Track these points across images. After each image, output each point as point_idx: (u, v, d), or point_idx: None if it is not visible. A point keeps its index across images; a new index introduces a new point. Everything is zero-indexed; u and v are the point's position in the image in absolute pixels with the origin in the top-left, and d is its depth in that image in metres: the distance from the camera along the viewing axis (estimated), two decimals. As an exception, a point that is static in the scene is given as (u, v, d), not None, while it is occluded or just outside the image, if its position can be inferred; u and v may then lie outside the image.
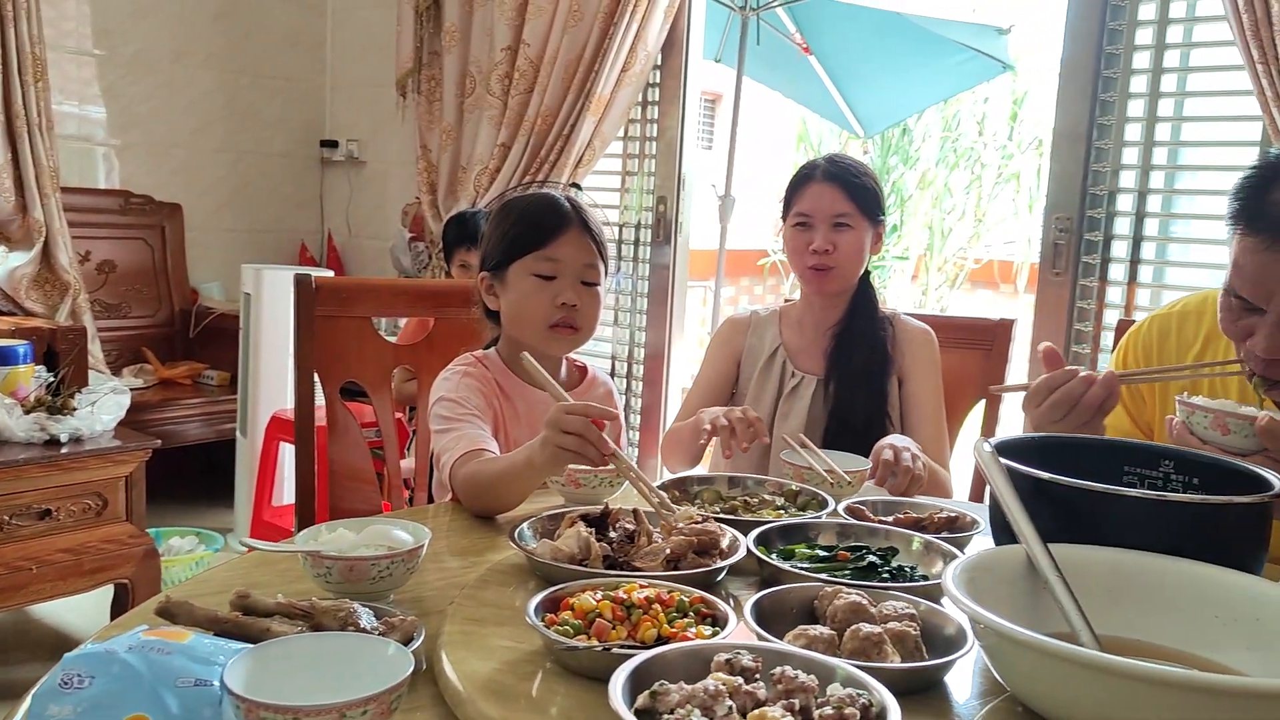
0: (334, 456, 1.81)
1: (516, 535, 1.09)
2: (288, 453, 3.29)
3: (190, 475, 4.00)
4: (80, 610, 2.86)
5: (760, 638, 0.83)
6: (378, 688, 0.71)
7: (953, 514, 1.25)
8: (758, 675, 0.75)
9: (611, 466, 1.32)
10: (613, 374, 3.61)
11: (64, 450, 2.35)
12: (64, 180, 3.70)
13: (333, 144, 4.59)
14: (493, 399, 1.57)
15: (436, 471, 1.55)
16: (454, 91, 3.81)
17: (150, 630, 0.78)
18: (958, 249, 9.00)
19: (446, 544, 1.25)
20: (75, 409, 2.47)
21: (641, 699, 0.71)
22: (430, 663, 0.87)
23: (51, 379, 2.66)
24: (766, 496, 1.33)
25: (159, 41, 4.10)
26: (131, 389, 3.04)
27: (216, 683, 0.72)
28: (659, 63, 3.47)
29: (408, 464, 2.54)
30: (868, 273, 1.90)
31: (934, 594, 0.98)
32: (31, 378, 2.56)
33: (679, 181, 3.49)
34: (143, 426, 3.06)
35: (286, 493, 3.36)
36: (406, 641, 0.85)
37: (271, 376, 3.47)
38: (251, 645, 0.79)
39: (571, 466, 1.33)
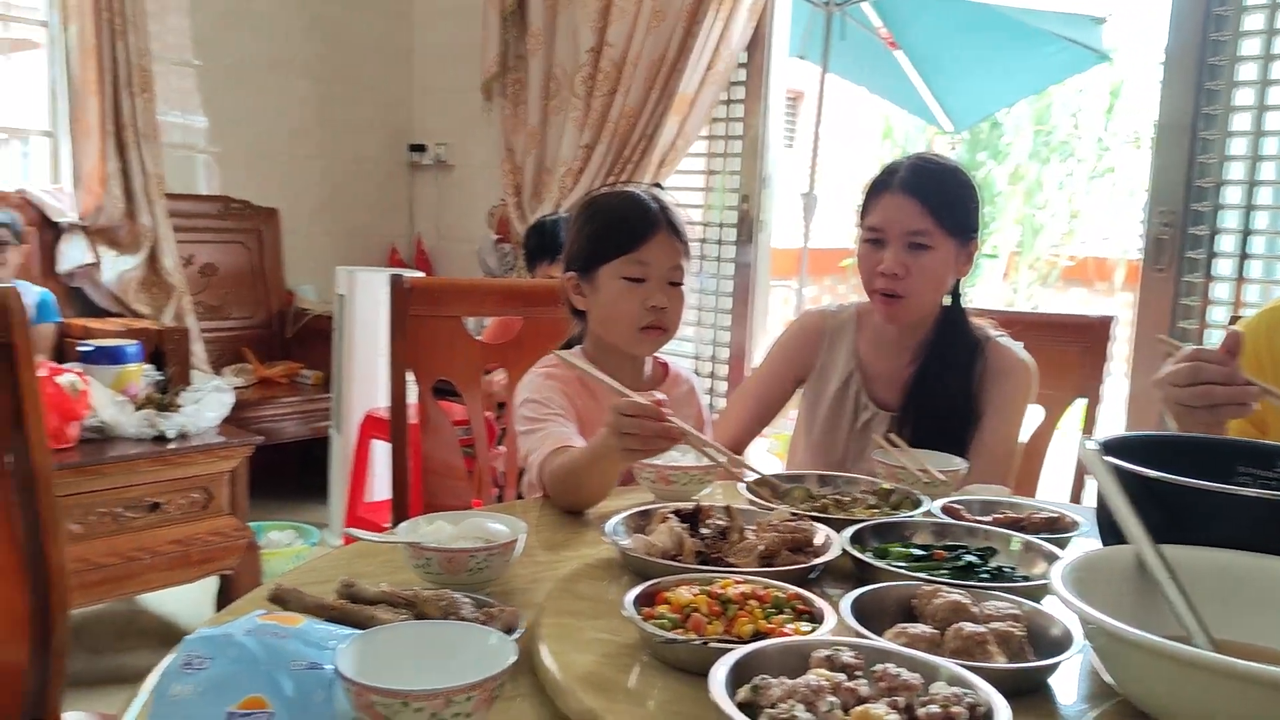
0: (427, 453, 1.85)
1: (609, 530, 1.10)
2: (380, 449, 3.36)
3: (287, 471, 4.12)
4: (186, 600, 2.97)
5: (859, 635, 0.82)
6: (481, 675, 0.72)
7: (1053, 514, 1.22)
8: (858, 672, 0.74)
9: (702, 462, 1.33)
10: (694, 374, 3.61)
11: (171, 446, 2.45)
12: (168, 187, 3.86)
13: (420, 148, 4.69)
14: (575, 398, 1.58)
15: (525, 472, 1.58)
16: (538, 94, 3.85)
17: (265, 615, 0.81)
18: (1050, 246, 8.77)
19: (538, 538, 1.26)
20: (181, 406, 2.57)
21: (742, 693, 0.71)
22: (527, 653, 0.88)
23: (159, 378, 2.77)
24: (858, 495, 1.32)
25: (255, 52, 4.24)
26: (232, 388, 3.14)
27: (328, 666, 0.74)
28: (743, 61, 3.46)
29: (497, 461, 2.58)
30: (958, 294, 1.69)
31: (1036, 595, 0.96)
32: (141, 376, 2.67)
33: (761, 180, 3.47)
34: (243, 424, 3.16)
35: (379, 488, 3.44)
36: (507, 632, 0.86)
37: (364, 375, 3.56)
38: (359, 631, 0.81)
39: (653, 462, 1.34)
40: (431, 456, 1.85)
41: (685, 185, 3.66)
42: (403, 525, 1.08)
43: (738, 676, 0.73)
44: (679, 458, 1.39)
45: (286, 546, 3.13)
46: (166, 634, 2.88)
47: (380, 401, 3.49)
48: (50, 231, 3.65)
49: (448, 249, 4.70)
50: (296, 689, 0.73)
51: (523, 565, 1.12)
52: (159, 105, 3.81)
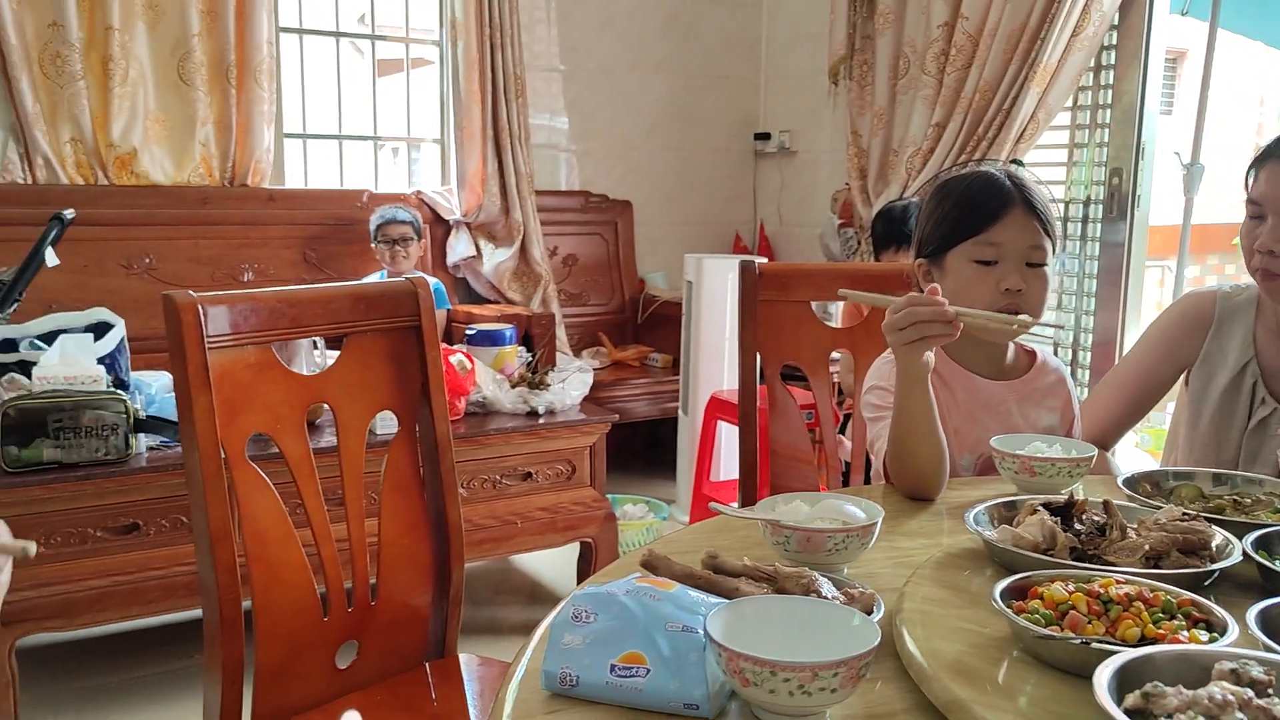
0: (774, 435, 1.88)
1: (972, 519, 1.07)
2: (725, 431, 3.46)
3: (638, 449, 4.36)
4: (550, 563, 3.24)
5: (1268, 649, 0.74)
6: (846, 653, 0.73)
7: None
8: (1270, 690, 0.67)
9: (1070, 454, 1.25)
10: (1056, 361, 3.38)
11: (541, 421, 2.67)
12: (536, 184, 4.21)
13: (765, 136, 4.75)
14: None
15: (872, 459, 1.56)
16: (886, 74, 3.77)
17: (640, 578, 0.87)
18: None
19: (893, 524, 1.25)
20: (549, 385, 2.79)
21: (1132, 699, 0.66)
22: (888, 637, 0.88)
23: (529, 359, 3.03)
24: (1262, 496, 1.18)
25: (616, 54, 4.49)
26: (591, 369, 3.37)
27: (700, 631, 0.78)
28: (1115, 22, 3.18)
29: (841, 449, 2.57)
30: None
31: None
32: (515, 357, 2.94)
33: (1137, 150, 3.18)
34: (600, 403, 3.38)
35: (723, 469, 3.54)
36: (866, 613, 0.87)
37: (711, 359, 3.68)
38: (726, 600, 0.84)
39: (1017, 452, 1.28)
40: (778, 440, 1.88)
41: (1047, 161, 3.42)
42: (761, 503, 1.11)
43: (1124, 681, 0.69)
44: (1045, 449, 1.32)
45: (639, 519, 3.32)
46: (534, 592, 3.16)
47: (726, 384, 3.59)
48: (440, 228, 4.11)
49: (790, 235, 4.73)
50: (672, 649, 0.78)
51: (880, 550, 1.11)
52: (529, 109, 4.16)
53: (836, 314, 3.06)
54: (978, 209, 1.48)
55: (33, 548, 0.63)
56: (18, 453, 2.06)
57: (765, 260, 2.15)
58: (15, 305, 2.50)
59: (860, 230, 3.95)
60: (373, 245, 3.66)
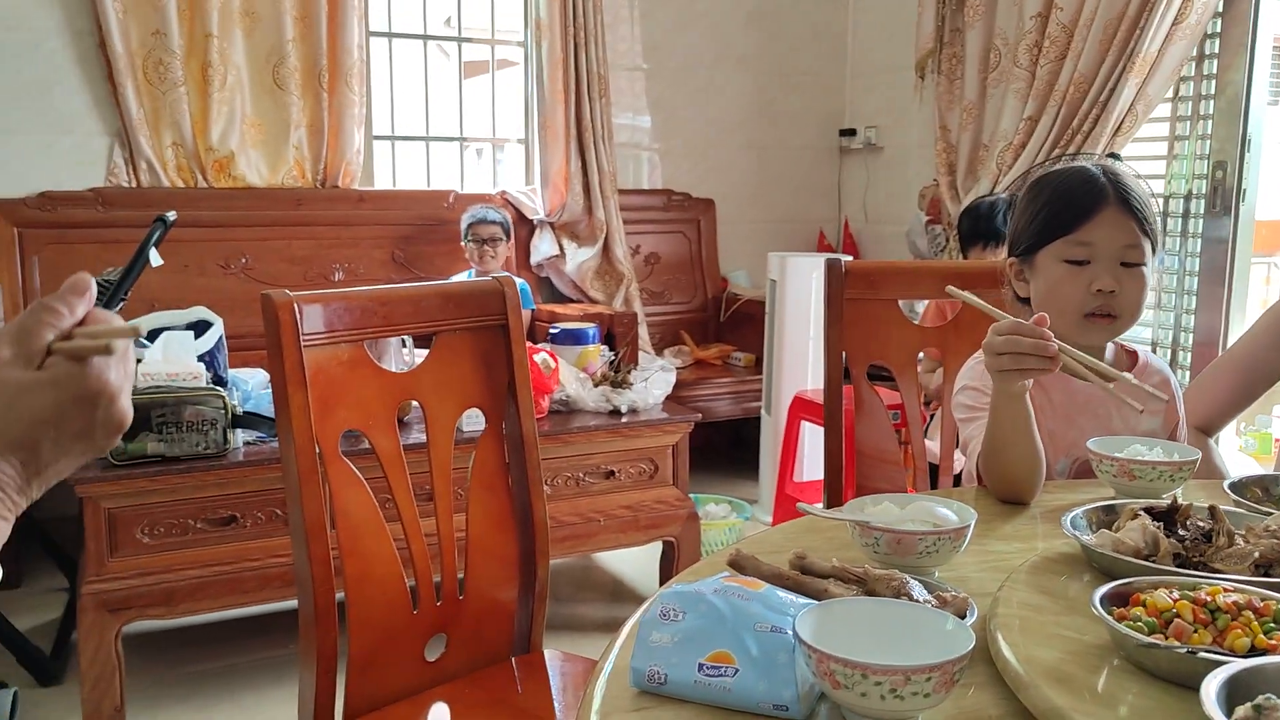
0: (860, 436, 1.85)
1: (1069, 524, 1.04)
2: (809, 431, 3.43)
3: (720, 448, 4.35)
4: (632, 561, 3.25)
5: (1392, 666, 0.70)
6: (940, 657, 0.72)
7: None
8: (1395, 708, 0.63)
9: (1173, 458, 1.21)
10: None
11: (623, 420, 2.68)
12: (619, 183, 4.22)
13: (850, 132, 4.69)
14: None
15: (964, 460, 1.52)
16: (976, 67, 3.70)
17: (728, 577, 0.86)
18: None
19: (986, 527, 1.22)
20: (631, 384, 2.80)
21: (1243, 711, 0.63)
22: (982, 642, 0.86)
23: (612, 357, 3.04)
24: (1382, 505, 1.12)
25: (699, 50, 4.49)
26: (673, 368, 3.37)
27: (789, 631, 0.78)
28: (1219, 9, 3.06)
29: (932, 446, 2.53)
30: None
31: None
32: (598, 356, 2.96)
33: (1243, 142, 3.05)
34: (682, 402, 3.38)
35: (807, 469, 3.51)
36: (960, 617, 0.85)
37: (794, 358, 3.65)
38: (815, 601, 0.84)
39: (1115, 455, 1.24)
40: (865, 440, 1.85)
41: (1145, 154, 3.31)
42: (849, 504, 1.10)
43: (1233, 693, 0.66)
44: (1145, 452, 1.27)
45: (722, 519, 3.31)
46: (616, 590, 3.18)
47: (809, 384, 3.56)
48: (524, 227, 4.16)
49: (875, 232, 4.67)
50: (760, 649, 0.78)
51: (969, 553, 1.09)
52: (613, 108, 4.18)
53: (920, 313, 3.01)
54: (1069, 206, 1.43)
55: (142, 327, 0.61)
56: (124, 446, 2.14)
57: (851, 258, 2.12)
58: (122, 304, 2.60)
59: (948, 227, 3.87)
60: (462, 244, 3.71)
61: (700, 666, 0.79)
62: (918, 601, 0.88)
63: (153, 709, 2.37)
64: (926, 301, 2.93)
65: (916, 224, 4.16)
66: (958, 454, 1.66)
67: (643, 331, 4.10)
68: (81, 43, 3.45)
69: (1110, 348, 1.54)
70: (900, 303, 1.86)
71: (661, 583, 2.87)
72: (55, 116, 3.46)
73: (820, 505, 1.91)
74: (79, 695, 2.17)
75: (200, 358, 2.40)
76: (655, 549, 2.87)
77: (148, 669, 2.54)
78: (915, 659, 0.72)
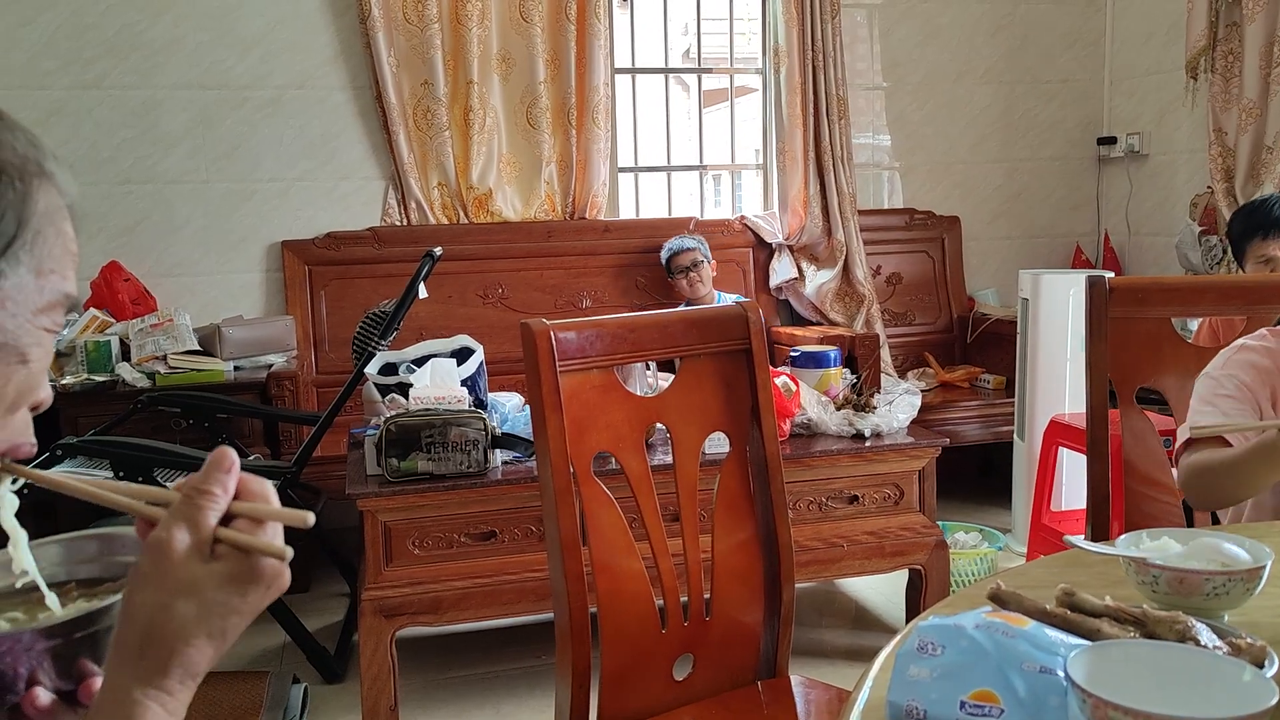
0: (1129, 464, 1.72)
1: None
2: (1066, 457, 3.23)
3: (967, 474, 4.17)
4: (876, 589, 3.17)
5: None
6: (1235, 711, 0.66)
7: None
8: None
9: None
10: None
11: (867, 444, 2.63)
12: (859, 204, 4.16)
13: (1110, 140, 4.40)
14: (1274, 376, 1.35)
15: (1174, 444, 1.40)
16: (1257, 64, 3.38)
17: (990, 612, 0.83)
18: None
19: (1283, 569, 1.11)
20: (875, 407, 2.74)
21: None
22: None
23: (854, 380, 2.99)
24: None
25: (941, 65, 4.36)
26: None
27: (1060, 673, 0.74)
28: None
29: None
30: None
31: None
32: (840, 379, 2.92)
33: None
34: (927, 425, 3.27)
35: (1065, 498, 3.30)
36: (1256, 666, 0.77)
37: (1049, 380, 3.45)
38: (1087, 642, 0.79)
39: None
40: (1134, 469, 1.72)
41: None
42: (1122, 538, 1.03)
43: None
44: None
45: (972, 548, 3.16)
46: (860, 617, 3.10)
47: (1065, 407, 3.35)
48: (763, 251, 4.18)
49: (1140, 245, 4.34)
50: (1028, 690, 0.74)
51: (1265, 595, 0.99)
52: (851, 129, 4.13)
53: (1194, 332, 2.76)
54: None
55: (310, 518, 0.65)
56: (398, 464, 2.33)
57: (1112, 274, 1.99)
58: (395, 334, 2.84)
59: (1225, 239, 3.55)
60: (670, 280, 3.79)
61: (962, 705, 0.76)
62: (1206, 647, 0.81)
63: (424, 710, 2.54)
64: (1200, 320, 2.70)
65: (1188, 235, 3.83)
66: None
67: (885, 354, 4.00)
68: (361, 97, 3.80)
69: None
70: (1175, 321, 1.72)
71: (909, 612, 2.78)
72: (338, 164, 3.82)
73: (1083, 537, 1.79)
74: (359, 693, 2.37)
75: (463, 382, 2.57)
76: (901, 577, 2.78)
77: (419, 672, 2.73)
78: (1208, 711, 0.66)
